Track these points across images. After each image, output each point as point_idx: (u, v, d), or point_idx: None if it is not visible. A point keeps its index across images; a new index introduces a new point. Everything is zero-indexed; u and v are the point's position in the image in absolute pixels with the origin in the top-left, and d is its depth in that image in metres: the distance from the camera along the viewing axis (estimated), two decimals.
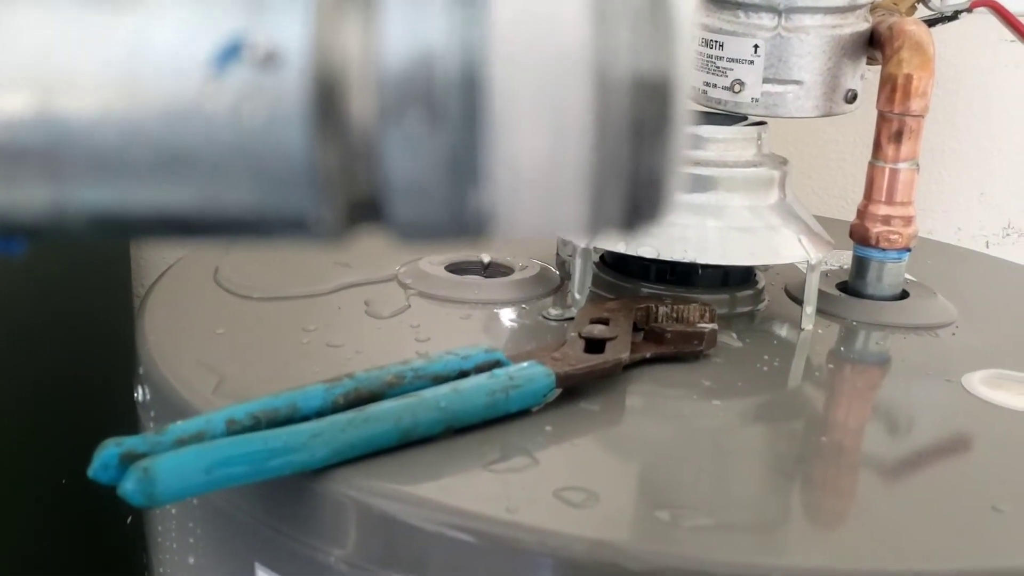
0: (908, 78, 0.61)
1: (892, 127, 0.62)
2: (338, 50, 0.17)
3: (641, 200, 0.18)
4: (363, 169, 0.18)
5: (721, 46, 0.64)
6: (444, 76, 0.17)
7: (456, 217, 0.18)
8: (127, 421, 0.56)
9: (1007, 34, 0.68)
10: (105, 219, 0.18)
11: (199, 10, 0.17)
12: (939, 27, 0.66)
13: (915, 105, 0.62)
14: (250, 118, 0.17)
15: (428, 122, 0.17)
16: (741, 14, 0.63)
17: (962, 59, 0.85)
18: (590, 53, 0.16)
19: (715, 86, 0.65)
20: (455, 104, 0.17)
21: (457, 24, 0.17)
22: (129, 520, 0.60)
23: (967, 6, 0.67)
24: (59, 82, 0.17)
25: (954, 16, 0.68)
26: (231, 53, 0.17)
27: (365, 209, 0.18)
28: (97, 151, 0.17)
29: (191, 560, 0.51)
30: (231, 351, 0.55)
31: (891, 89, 0.62)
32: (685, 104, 0.17)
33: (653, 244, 0.59)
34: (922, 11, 0.67)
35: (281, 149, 0.17)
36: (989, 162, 0.91)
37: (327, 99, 0.17)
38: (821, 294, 0.62)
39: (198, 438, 0.43)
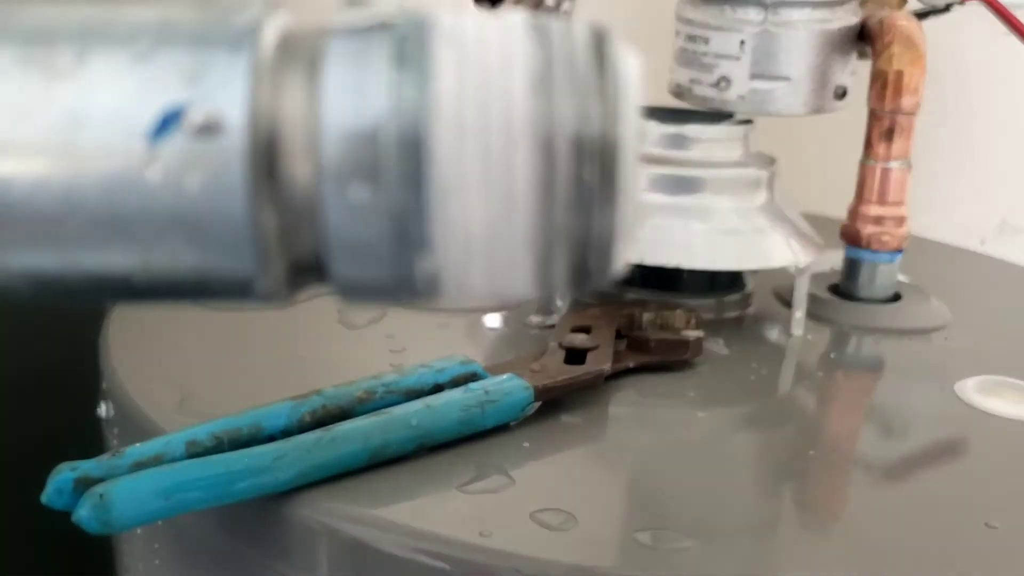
0: (899, 74, 0.59)
1: (883, 125, 0.60)
2: (278, 118, 0.17)
3: (588, 264, 0.18)
4: (306, 233, 0.18)
5: (706, 42, 0.62)
6: (387, 144, 0.17)
7: (401, 281, 0.18)
8: (99, 432, 0.54)
9: (1002, 26, 0.66)
10: (48, 283, 0.18)
11: (138, 80, 0.17)
12: (931, 19, 0.64)
13: (906, 102, 0.60)
14: (190, 186, 0.17)
15: (371, 188, 0.17)
16: (727, 9, 0.61)
17: (956, 52, 0.83)
18: (534, 120, 0.16)
19: (700, 83, 0.63)
20: (398, 171, 0.17)
21: (400, 92, 0.17)
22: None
23: None
24: None
25: (946, 9, 0.66)
26: (170, 122, 0.17)
27: (309, 271, 0.19)
28: (37, 217, 0.17)
29: None
30: (196, 364, 0.53)
31: (881, 86, 0.60)
32: (633, 168, 0.17)
33: (637, 248, 0.57)
34: (913, 4, 0.65)
35: (222, 215, 0.17)
36: (984, 157, 0.89)
37: (267, 166, 0.17)
38: (811, 297, 0.61)
39: (157, 461, 0.41)
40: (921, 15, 0.64)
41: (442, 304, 0.18)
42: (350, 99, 0.17)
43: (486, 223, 0.17)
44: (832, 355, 0.60)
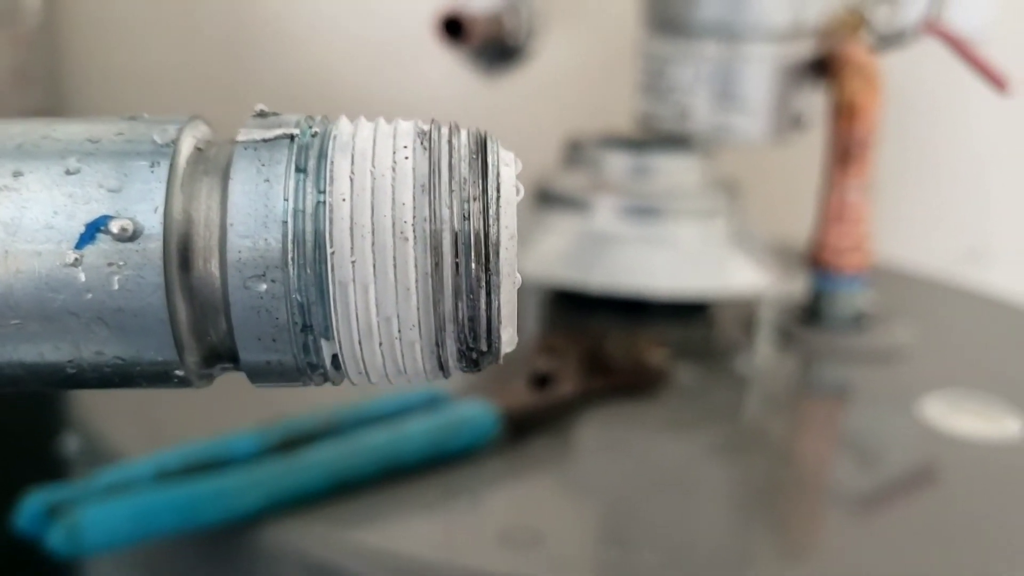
0: (854, 102, 0.61)
1: (841, 151, 0.62)
2: (191, 222, 0.20)
3: (477, 346, 0.20)
4: (218, 324, 0.20)
5: (666, 73, 0.63)
6: (288, 243, 0.19)
7: (304, 367, 0.20)
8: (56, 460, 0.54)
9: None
10: None
11: (66, 194, 0.19)
12: (890, 50, 0.66)
13: (862, 129, 0.61)
14: (113, 284, 0.19)
15: (274, 284, 0.19)
16: (686, 41, 0.62)
17: (919, 79, 0.84)
18: (420, 222, 0.19)
19: (662, 114, 0.64)
20: (299, 268, 0.19)
21: (300, 196, 0.19)
22: None
23: (915, 32, 0.66)
24: None
25: (903, 41, 0.67)
26: (94, 231, 0.19)
27: (223, 357, 0.21)
28: None
29: None
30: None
31: (838, 114, 0.61)
32: (511, 258, 0.20)
33: (601, 278, 0.57)
34: (870, 36, 0.67)
35: (141, 309, 0.19)
36: (949, 184, 0.91)
37: (180, 265, 0.19)
38: (775, 323, 0.62)
39: (127, 486, 0.42)
40: (878, 47, 0.65)
41: (347, 383, 0.21)
42: (254, 204, 0.19)
43: (382, 311, 0.19)
44: (797, 380, 0.61)
